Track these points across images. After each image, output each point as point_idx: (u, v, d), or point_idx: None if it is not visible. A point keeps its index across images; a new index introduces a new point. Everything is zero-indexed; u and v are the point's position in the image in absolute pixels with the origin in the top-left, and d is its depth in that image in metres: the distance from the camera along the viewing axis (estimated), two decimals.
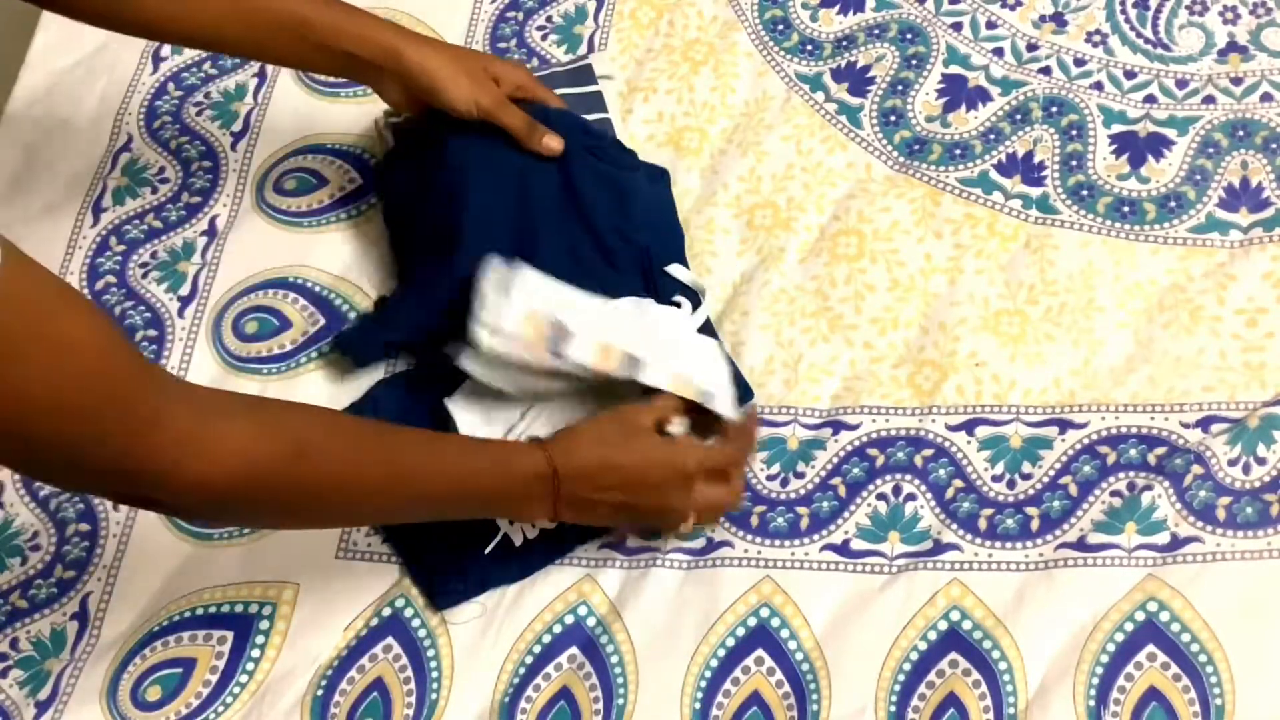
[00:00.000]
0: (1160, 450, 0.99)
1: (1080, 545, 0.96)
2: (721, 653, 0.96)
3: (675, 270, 1.07)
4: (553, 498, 0.93)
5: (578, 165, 1.10)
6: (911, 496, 1.00)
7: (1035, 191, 1.11)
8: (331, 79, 1.27)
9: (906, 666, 0.93)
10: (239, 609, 1.02)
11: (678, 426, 0.97)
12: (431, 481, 0.91)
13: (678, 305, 1.06)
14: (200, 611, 1.03)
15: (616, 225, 1.08)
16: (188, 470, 0.77)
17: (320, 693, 0.98)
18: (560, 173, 1.10)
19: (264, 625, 1.01)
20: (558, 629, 0.98)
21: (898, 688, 0.93)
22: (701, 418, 0.99)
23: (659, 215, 1.12)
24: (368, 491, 0.89)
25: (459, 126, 1.09)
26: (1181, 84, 1.15)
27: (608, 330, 0.99)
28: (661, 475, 0.95)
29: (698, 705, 0.94)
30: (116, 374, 0.73)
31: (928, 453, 1.01)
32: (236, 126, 1.26)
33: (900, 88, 1.19)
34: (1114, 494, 0.97)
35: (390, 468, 0.89)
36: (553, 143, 1.09)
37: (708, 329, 1.08)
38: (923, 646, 0.94)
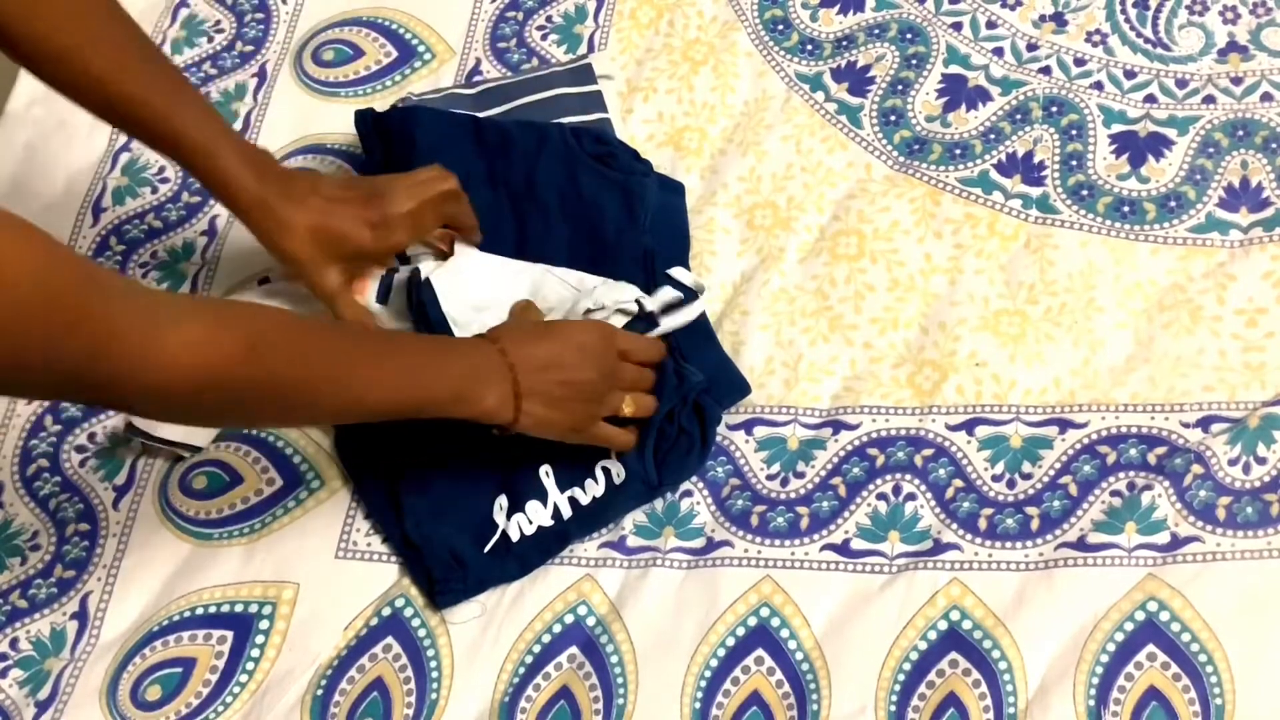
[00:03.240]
0: (1160, 450, 0.99)
1: (1080, 545, 0.96)
2: (721, 652, 0.96)
3: (677, 273, 1.07)
4: (510, 386, 0.94)
5: (585, 171, 1.11)
6: (911, 496, 1.00)
7: (1035, 191, 1.11)
8: (331, 79, 1.27)
9: (906, 666, 0.93)
10: (239, 609, 1.02)
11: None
12: (387, 374, 0.91)
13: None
14: (200, 611, 1.03)
15: (622, 227, 1.09)
16: (145, 377, 0.77)
17: (320, 692, 0.98)
18: (567, 178, 1.11)
19: (264, 625, 1.01)
20: (557, 629, 0.98)
21: (898, 687, 0.93)
22: None
23: (667, 221, 1.12)
24: (324, 385, 0.88)
25: (450, 134, 1.11)
26: (1181, 84, 1.15)
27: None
28: (592, 342, 0.98)
29: (698, 705, 0.94)
30: (59, 293, 0.72)
31: (928, 452, 1.01)
32: (237, 126, 1.26)
33: (900, 87, 1.19)
34: (1114, 494, 0.97)
35: (345, 359, 0.89)
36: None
37: (705, 329, 1.08)
38: (923, 646, 0.94)
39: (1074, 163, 1.12)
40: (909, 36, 1.21)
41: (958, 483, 1.00)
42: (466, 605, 1.00)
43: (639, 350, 1.01)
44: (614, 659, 0.96)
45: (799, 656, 0.95)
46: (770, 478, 1.02)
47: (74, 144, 1.27)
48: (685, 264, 1.10)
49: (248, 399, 0.84)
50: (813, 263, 1.11)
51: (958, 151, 1.14)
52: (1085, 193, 1.11)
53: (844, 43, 1.22)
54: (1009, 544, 0.97)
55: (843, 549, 0.99)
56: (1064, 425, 1.01)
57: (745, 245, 1.13)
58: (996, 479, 1.00)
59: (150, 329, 0.77)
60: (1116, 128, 1.14)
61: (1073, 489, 0.98)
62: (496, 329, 0.98)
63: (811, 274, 1.10)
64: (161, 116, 0.99)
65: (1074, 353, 1.04)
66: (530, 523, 1.00)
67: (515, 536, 1.00)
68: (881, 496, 1.00)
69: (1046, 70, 1.18)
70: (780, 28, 1.24)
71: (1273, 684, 0.89)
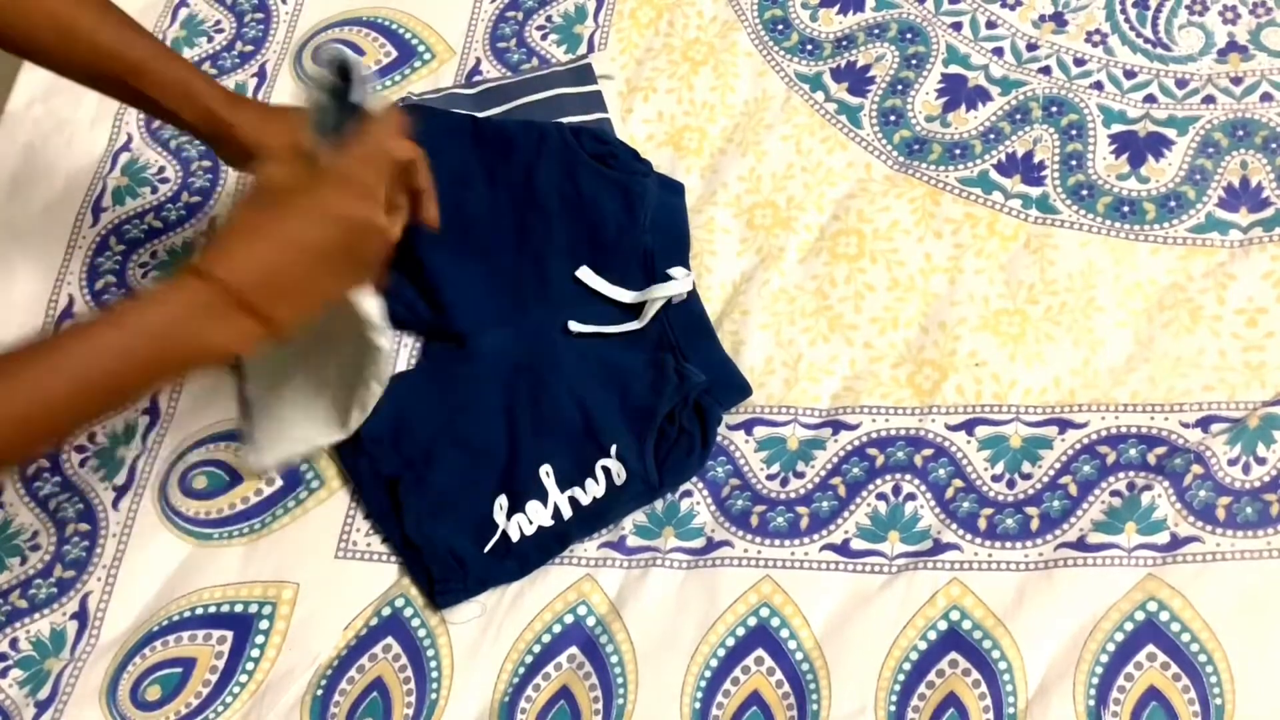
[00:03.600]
0: (1160, 450, 0.99)
1: (1080, 545, 0.96)
2: (721, 652, 0.96)
3: (676, 273, 1.07)
4: (237, 307, 0.81)
5: (585, 171, 1.11)
6: (911, 496, 1.00)
7: (1035, 191, 1.11)
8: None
9: (906, 666, 0.93)
10: (239, 609, 1.02)
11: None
12: (64, 383, 0.79)
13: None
14: (200, 611, 1.03)
15: (621, 226, 1.09)
16: None
17: (320, 692, 0.98)
18: (566, 178, 1.11)
19: (264, 625, 1.01)
20: (557, 629, 0.98)
21: (898, 687, 0.93)
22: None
23: (667, 220, 1.12)
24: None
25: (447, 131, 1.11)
26: (1181, 84, 1.15)
27: None
28: (309, 198, 0.85)
29: (697, 705, 0.94)
30: None
31: (927, 452, 1.01)
32: None
33: (900, 87, 1.19)
34: (1114, 494, 0.97)
35: (11, 389, 0.78)
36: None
37: (705, 328, 1.08)
38: (922, 646, 0.94)
39: (1074, 163, 1.12)
40: (909, 36, 1.21)
41: (957, 483, 1.00)
42: (466, 605, 1.00)
43: (369, 151, 0.87)
44: (614, 659, 0.96)
45: (799, 656, 0.95)
46: (770, 478, 1.02)
47: (74, 144, 1.27)
48: (685, 264, 1.10)
49: None
50: (813, 262, 1.11)
51: (958, 151, 1.14)
52: (1085, 193, 1.11)
53: (844, 43, 1.22)
54: (1009, 544, 0.97)
55: (843, 549, 0.99)
56: (1064, 425, 1.01)
57: (745, 245, 1.13)
58: (996, 479, 1.00)
59: None
60: (1116, 128, 1.14)
61: (1073, 489, 0.98)
62: (204, 251, 0.83)
63: (811, 274, 1.10)
64: (132, 65, 0.97)
65: (1074, 352, 1.04)
66: (530, 523, 1.00)
67: (515, 537, 1.00)
68: (881, 496, 1.00)
69: (1046, 70, 1.18)
70: (780, 28, 1.24)
71: (1273, 684, 0.89)
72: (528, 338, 1.07)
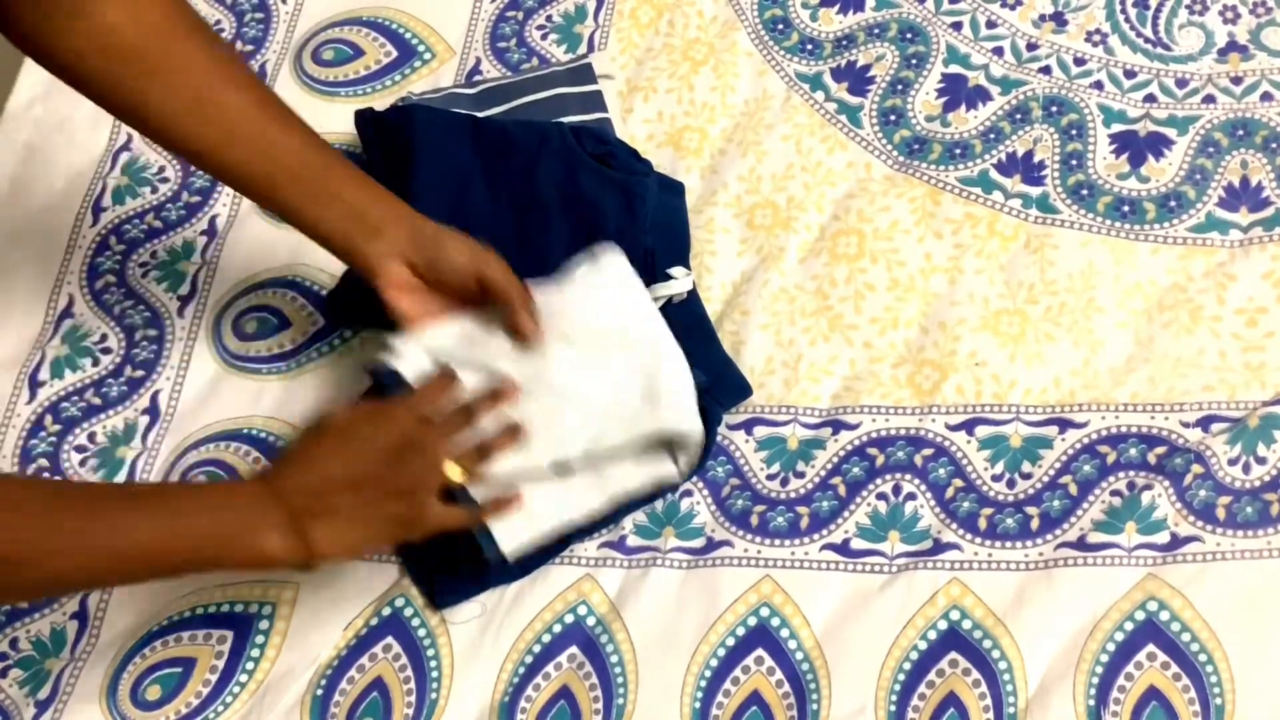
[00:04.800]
0: (1160, 450, 0.99)
1: (1080, 545, 0.96)
2: (721, 652, 0.96)
3: (676, 273, 1.07)
4: (284, 518, 0.85)
5: (585, 171, 1.11)
6: (911, 496, 1.00)
7: (1035, 191, 1.11)
8: (331, 79, 1.27)
9: (906, 666, 0.93)
10: (239, 609, 1.02)
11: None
12: (101, 542, 0.82)
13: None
14: (200, 611, 1.03)
15: (622, 226, 1.09)
16: None
17: (320, 692, 0.98)
18: (566, 177, 1.11)
19: (264, 625, 1.01)
20: (557, 628, 0.98)
21: (898, 687, 0.93)
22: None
23: (667, 220, 1.12)
24: (34, 569, 0.80)
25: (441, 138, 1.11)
26: (1181, 83, 1.15)
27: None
28: (357, 429, 0.88)
29: (698, 705, 0.94)
30: None
31: (928, 452, 1.01)
32: None
33: (900, 87, 1.19)
34: (1114, 493, 0.97)
35: (37, 531, 0.79)
36: (528, 328, 0.97)
37: (707, 330, 1.08)
38: (923, 646, 0.94)
39: (1074, 162, 1.12)
40: (909, 36, 1.21)
41: (958, 482, 1.00)
42: (467, 605, 1.00)
43: (428, 399, 0.91)
44: (614, 659, 0.96)
45: (799, 656, 0.95)
46: (770, 477, 1.02)
47: (74, 144, 1.27)
48: (686, 263, 1.10)
49: None
50: (813, 262, 1.11)
51: (958, 151, 1.14)
52: (1085, 192, 1.11)
53: (844, 42, 1.22)
54: (1009, 544, 0.97)
55: (843, 549, 0.99)
56: (1064, 425, 1.01)
57: (745, 245, 1.13)
58: (996, 479, 1.00)
59: None
60: (1116, 127, 1.14)
61: (1073, 489, 0.98)
62: (268, 465, 0.89)
63: (811, 274, 1.10)
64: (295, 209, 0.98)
65: (1074, 352, 1.04)
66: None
67: None
68: (881, 496, 1.00)
69: (1046, 70, 1.18)
70: (780, 27, 1.24)
71: (1273, 684, 0.89)
72: None
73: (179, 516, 0.85)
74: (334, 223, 0.97)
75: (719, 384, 1.04)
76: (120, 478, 1.09)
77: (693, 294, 1.08)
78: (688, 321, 1.07)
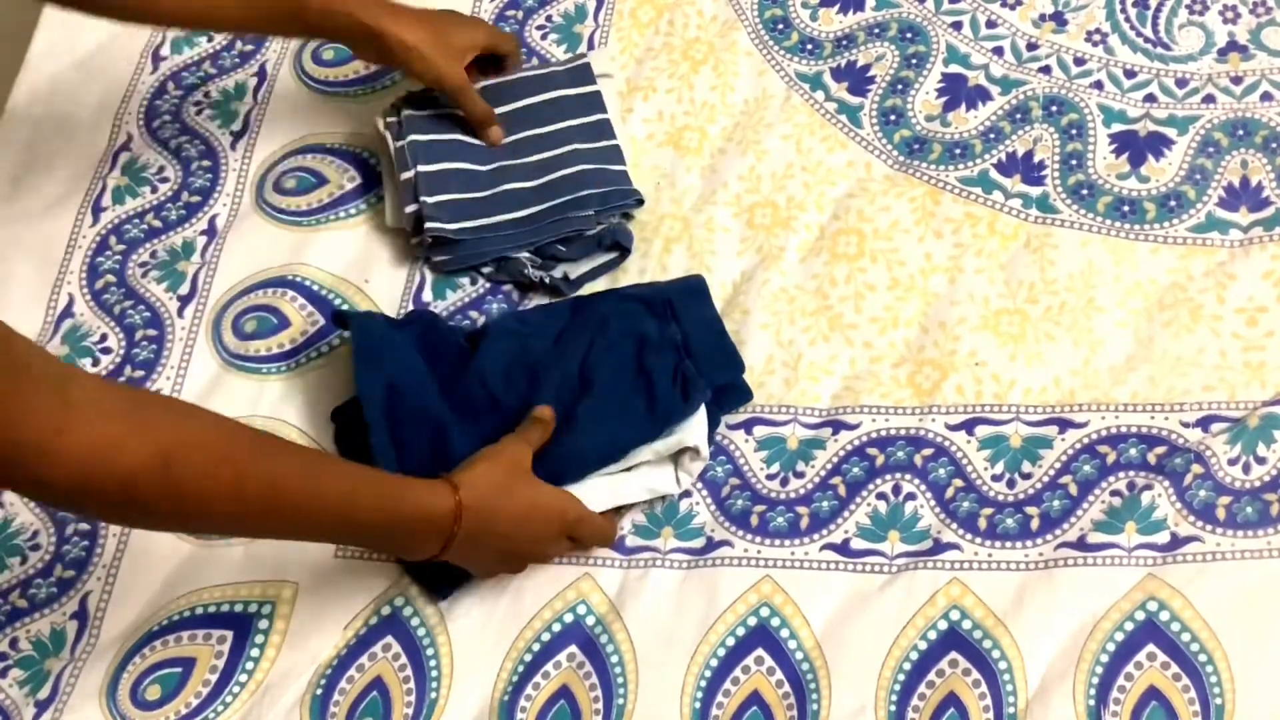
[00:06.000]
0: (1160, 450, 0.99)
1: (1080, 545, 0.95)
2: (721, 652, 0.96)
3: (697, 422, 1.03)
4: (446, 537, 0.91)
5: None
6: (911, 496, 1.00)
7: (1035, 191, 1.11)
8: (331, 79, 1.27)
9: (906, 666, 0.93)
10: (239, 608, 1.02)
11: None
12: (309, 508, 0.87)
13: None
14: (200, 611, 1.03)
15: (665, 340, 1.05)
16: (44, 473, 0.74)
17: (320, 692, 0.98)
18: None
19: (263, 624, 1.01)
20: (557, 628, 0.98)
21: (898, 687, 0.93)
22: None
23: (699, 329, 1.08)
24: (236, 509, 0.84)
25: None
26: (1181, 83, 1.15)
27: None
28: (543, 519, 0.96)
29: (698, 705, 0.94)
30: None
31: (927, 452, 1.01)
32: (236, 126, 1.26)
33: (900, 87, 1.19)
34: (1114, 493, 0.97)
35: (263, 488, 0.84)
36: (495, 136, 1.17)
37: (730, 355, 1.07)
38: (923, 646, 0.94)
39: (1074, 162, 1.12)
40: (909, 36, 1.21)
41: (958, 482, 1.00)
42: (466, 595, 1.00)
43: (588, 536, 0.99)
44: (614, 658, 0.96)
45: (799, 656, 0.95)
46: (770, 477, 1.02)
47: (74, 144, 1.27)
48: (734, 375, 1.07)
49: (158, 509, 0.81)
50: (813, 262, 1.11)
51: (958, 151, 1.14)
52: (1085, 192, 1.11)
53: (844, 42, 1.22)
54: (1009, 544, 0.97)
55: (843, 549, 0.99)
56: (1064, 425, 1.01)
57: (745, 244, 1.13)
58: (996, 479, 1.00)
59: (59, 419, 0.73)
60: (1116, 127, 1.14)
61: (1073, 489, 0.98)
62: (462, 470, 0.94)
63: (811, 273, 1.10)
64: None
65: (1074, 352, 1.04)
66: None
67: None
68: (881, 496, 1.00)
69: (1046, 70, 1.18)
70: (780, 27, 1.24)
71: (1273, 684, 0.89)
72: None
73: (383, 497, 0.91)
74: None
75: (723, 390, 1.04)
76: None
77: (707, 297, 1.08)
78: (705, 334, 1.06)
